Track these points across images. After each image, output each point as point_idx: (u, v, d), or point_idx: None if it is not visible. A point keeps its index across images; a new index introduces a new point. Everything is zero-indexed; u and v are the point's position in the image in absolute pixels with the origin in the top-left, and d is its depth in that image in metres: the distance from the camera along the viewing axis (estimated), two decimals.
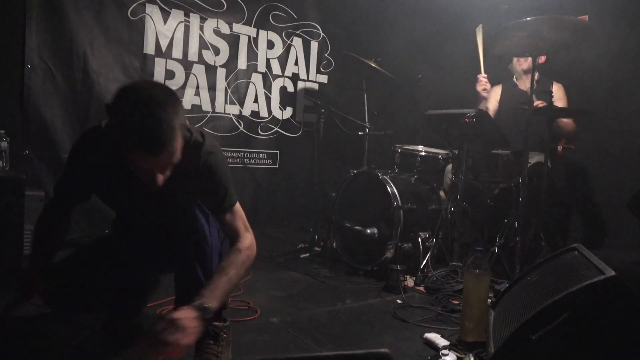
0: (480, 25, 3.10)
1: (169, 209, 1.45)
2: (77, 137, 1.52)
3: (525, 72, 3.29)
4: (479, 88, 3.35)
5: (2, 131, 2.55)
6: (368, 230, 2.81)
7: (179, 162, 1.35)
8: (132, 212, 1.62)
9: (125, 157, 1.26)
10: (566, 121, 3.08)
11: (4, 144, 2.53)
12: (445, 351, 1.75)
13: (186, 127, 1.45)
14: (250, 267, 1.50)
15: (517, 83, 3.38)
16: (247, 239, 1.49)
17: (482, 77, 3.32)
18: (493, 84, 3.53)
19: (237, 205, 1.53)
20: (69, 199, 1.57)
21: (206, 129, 3.78)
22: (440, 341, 1.84)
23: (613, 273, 1.39)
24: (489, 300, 2.00)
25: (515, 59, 3.32)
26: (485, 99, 3.39)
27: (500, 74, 3.55)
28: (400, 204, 2.75)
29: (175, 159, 1.29)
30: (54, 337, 1.64)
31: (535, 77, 2.55)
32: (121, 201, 1.60)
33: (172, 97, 1.28)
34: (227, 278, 1.38)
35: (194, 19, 3.65)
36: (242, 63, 3.94)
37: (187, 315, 1.23)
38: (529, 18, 2.39)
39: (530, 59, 3.21)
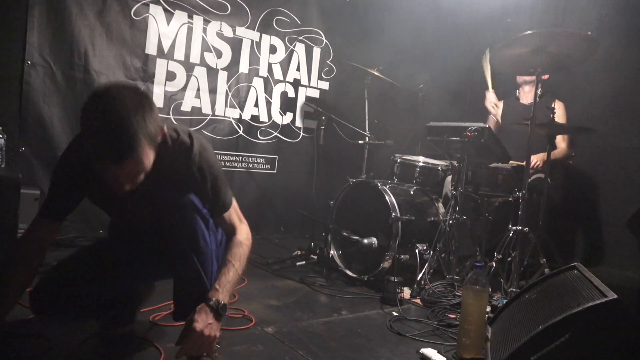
0: (488, 49, 3.07)
1: (161, 213, 1.43)
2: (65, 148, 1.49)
3: (526, 83, 3.29)
4: (488, 105, 3.36)
5: (0, 128, 2.52)
6: (365, 240, 2.79)
7: (167, 166, 1.35)
8: (122, 216, 1.61)
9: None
10: (558, 151, 3.09)
11: (1, 142, 2.50)
12: None
13: (173, 128, 1.44)
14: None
15: (519, 97, 3.38)
16: (244, 231, 1.56)
17: (490, 93, 3.32)
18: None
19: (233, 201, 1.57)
20: (60, 211, 1.51)
21: (205, 132, 3.76)
22: (437, 357, 1.82)
23: (615, 296, 1.38)
24: (486, 316, 1.99)
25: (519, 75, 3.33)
26: (493, 115, 3.38)
27: (502, 89, 3.55)
28: (399, 215, 2.73)
29: (144, 168, 1.26)
30: (46, 344, 1.60)
31: (539, 92, 2.54)
32: (109, 206, 1.59)
33: (142, 104, 1.24)
34: (234, 271, 1.45)
35: (198, 21, 3.64)
36: (243, 67, 3.92)
37: (206, 321, 1.34)
38: (533, 31, 2.39)
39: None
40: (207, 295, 1.39)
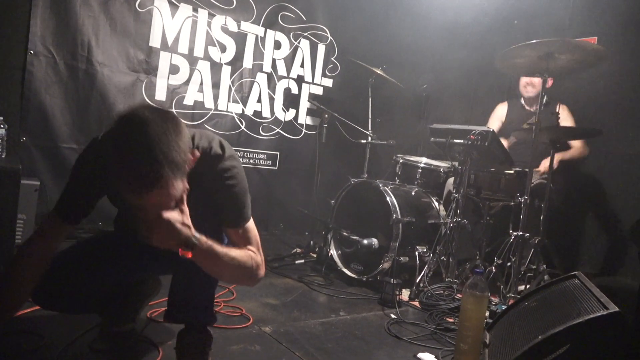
0: None
1: None
2: (84, 148, 1.43)
3: (532, 99, 3.25)
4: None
5: (1, 118, 2.50)
6: (365, 241, 2.78)
7: (194, 173, 1.30)
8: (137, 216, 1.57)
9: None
10: (574, 150, 3.05)
11: (2, 132, 2.48)
12: None
13: (205, 136, 1.41)
14: (246, 279, 1.45)
15: (524, 104, 3.36)
16: (257, 256, 1.44)
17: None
18: (498, 101, 3.51)
19: (251, 223, 1.47)
20: (78, 213, 1.42)
21: (207, 126, 3.74)
22: None
23: (616, 309, 1.37)
24: (485, 321, 1.98)
25: (522, 86, 3.29)
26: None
27: (505, 92, 3.53)
28: (399, 216, 2.72)
29: (171, 198, 1.20)
30: (39, 341, 1.59)
31: (544, 99, 2.52)
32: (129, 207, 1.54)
33: (168, 131, 1.17)
34: (227, 249, 1.33)
35: (202, 15, 3.61)
36: (247, 62, 3.90)
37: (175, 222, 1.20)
38: (541, 40, 2.37)
39: (537, 87, 3.20)
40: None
